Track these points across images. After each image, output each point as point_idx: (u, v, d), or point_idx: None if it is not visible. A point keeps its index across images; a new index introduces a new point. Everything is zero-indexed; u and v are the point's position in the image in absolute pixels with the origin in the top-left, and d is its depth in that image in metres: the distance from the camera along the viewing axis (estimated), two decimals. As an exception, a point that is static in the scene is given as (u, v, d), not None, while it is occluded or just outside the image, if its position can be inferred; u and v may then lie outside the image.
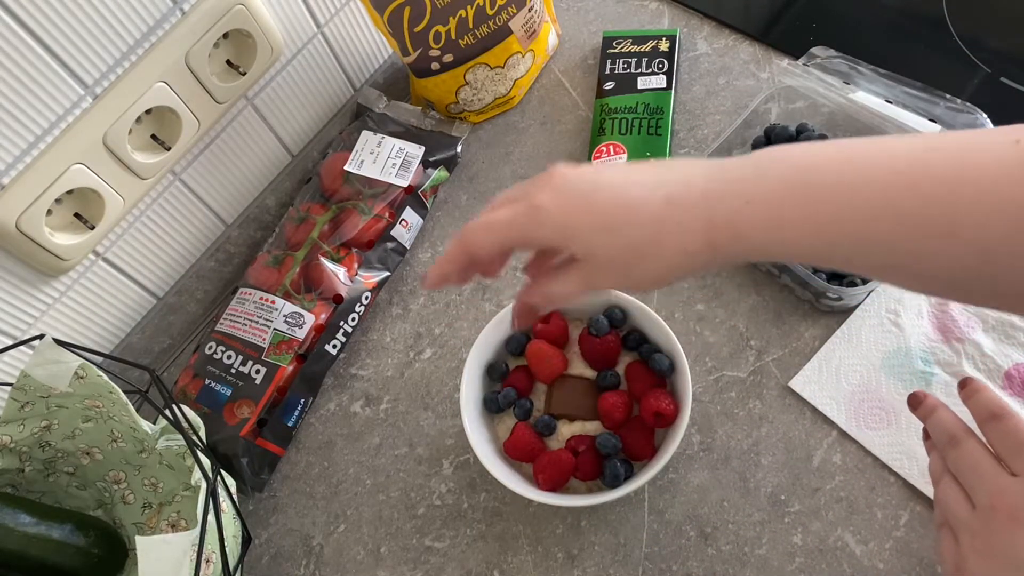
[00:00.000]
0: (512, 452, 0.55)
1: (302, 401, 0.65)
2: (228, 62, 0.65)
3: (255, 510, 0.64)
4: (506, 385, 0.58)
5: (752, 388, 0.60)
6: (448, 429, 0.64)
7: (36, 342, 0.53)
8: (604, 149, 0.71)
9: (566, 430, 0.56)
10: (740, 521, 0.56)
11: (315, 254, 0.68)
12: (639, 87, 0.73)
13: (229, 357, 0.65)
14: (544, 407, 0.57)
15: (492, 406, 0.58)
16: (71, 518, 0.57)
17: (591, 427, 0.56)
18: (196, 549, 0.46)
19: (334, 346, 0.66)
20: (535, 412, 0.57)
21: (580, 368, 0.58)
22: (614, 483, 0.53)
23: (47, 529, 0.55)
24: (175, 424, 0.51)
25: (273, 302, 0.66)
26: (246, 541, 0.60)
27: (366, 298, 0.68)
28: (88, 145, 0.58)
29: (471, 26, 0.70)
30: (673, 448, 0.52)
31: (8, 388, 0.55)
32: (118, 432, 0.59)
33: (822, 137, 0.64)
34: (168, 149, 0.63)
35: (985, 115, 0.62)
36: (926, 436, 0.44)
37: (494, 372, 0.59)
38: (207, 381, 0.65)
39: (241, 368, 0.64)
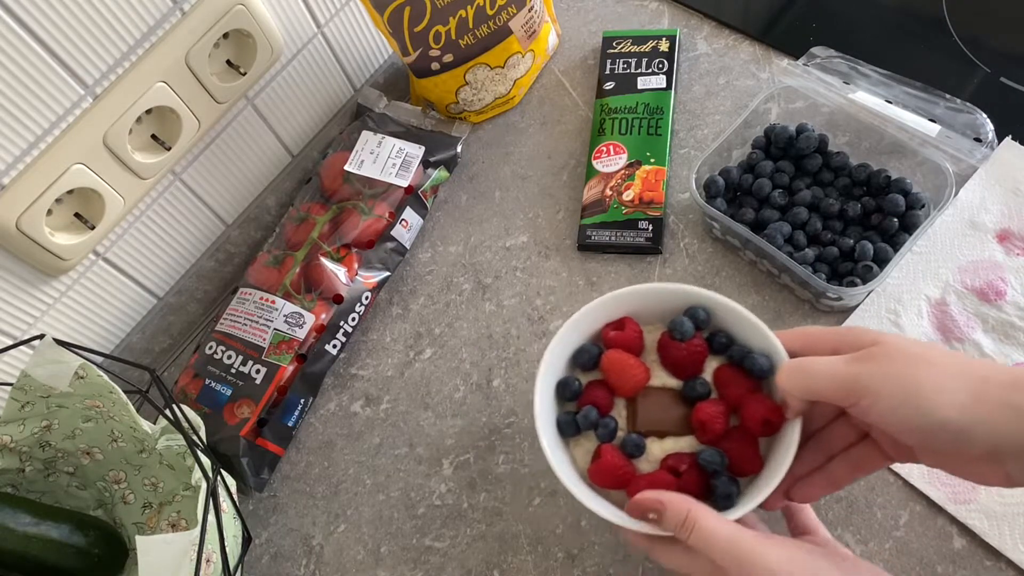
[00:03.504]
0: (599, 479, 0.48)
1: (302, 401, 0.65)
2: (228, 62, 0.65)
3: (255, 510, 0.64)
4: (582, 403, 0.51)
5: (752, 388, 0.60)
6: (448, 429, 0.64)
7: (36, 342, 0.53)
8: (604, 149, 0.71)
9: (656, 448, 0.49)
10: (740, 521, 0.56)
11: (315, 254, 0.68)
12: (639, 87, 0.73)
13: (229, 357, 0.65)
14: (627, 425, 0.50)
15: (569, 429, 0.50)
16: (71, 518, 0.57)
17: (684, 443, 0.49)
18: (196, 549, 0.46)
19: (334, 346, 0.67)
20: (619, 431, 0.50)
21: (662, 377, 0.51)
22: (727, 504, 0.46)
23: (47, 529, 0.55)
24: (175, 424, 0.51)
25: (273, 302, 0.66)
26: (246, 541, 0.60)
27: (366, 298, 0.68)
28: (88, 145, 0.58)
29: (471, 26, 0.70)
30: (790, 457, 0.44)
31: (8, 388, 0.55)
32: (118, 432, 0.59)
33: (821, 137, 0.64)
34: (168, 149, 0.63)
35: (985, 115, 0.62)
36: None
37: (566, 390, 0.51)
38: (207, 381, 0.65)
39: (241, 368, 0.64)
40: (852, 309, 0.61)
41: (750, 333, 0.49)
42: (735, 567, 0.38)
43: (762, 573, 0.37)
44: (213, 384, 0.64)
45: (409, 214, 0.71)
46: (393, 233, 0.70)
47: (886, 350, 0.38)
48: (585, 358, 0.51)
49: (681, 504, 0.41)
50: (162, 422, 0.58)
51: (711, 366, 0.50)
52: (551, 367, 0.51)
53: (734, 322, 0.50)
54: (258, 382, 0.64)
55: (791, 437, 0.44)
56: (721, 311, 0.50)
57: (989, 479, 0.38)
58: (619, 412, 0.50)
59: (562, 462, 0.48)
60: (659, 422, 0.49)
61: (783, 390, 0.43)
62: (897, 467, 0.54)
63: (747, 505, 0.44)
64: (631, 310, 0.52)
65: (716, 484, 0.46)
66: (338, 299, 0.67)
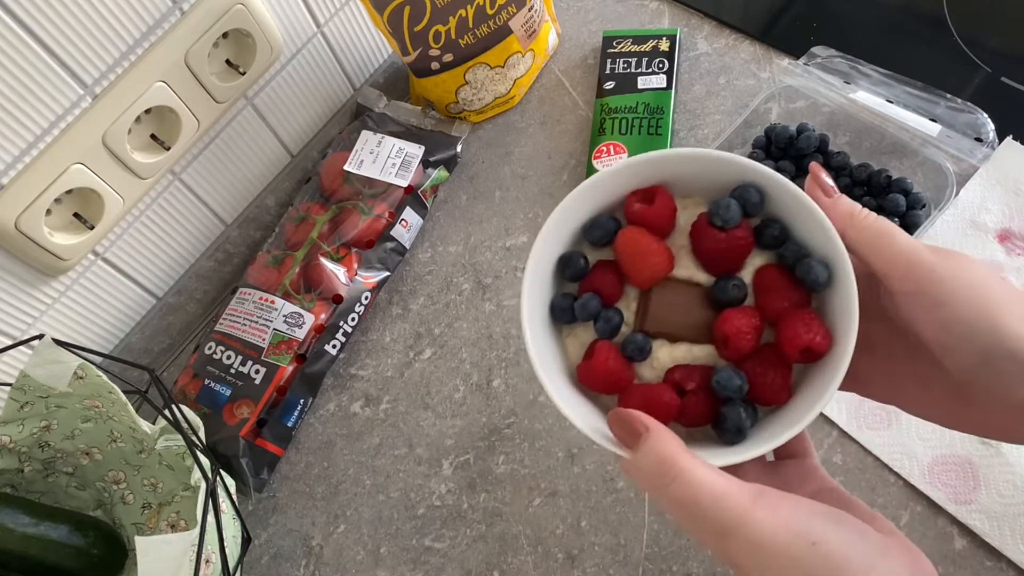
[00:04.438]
0: (588, 380, 0.39)
1: (302, 401, 0.65)
2: (228, 62, 0.65)
3: (255, 510, 0.64)
4: (585, 289, 0.40)
5: (752, 388, 0.60)
6: (448, 429, 0.64)
7: (35, 342, 0.53)
8: (604, 149, 0.71)
9: (665, 354, 0.39)
10: (740, 521, 0.55)
11: (315, 254, 0.68)
12: (639, 87, 0.73)
13: (229, 357, 0.65)
14: (636, 322, 0.40)
15: (563, 314, 0.41)
16: (70, 518, 0.57)
17: (700, 352, 0.39)
18: (195, 549, 0.46)
19: (334, 346, 0.66)
20: (623, 327, 0.40)
21: (689, 269, 0.40)
22: (736, 437, 0.37)
23: (46, 529, 0.55)
24: (174, 424, 0.51)
25: (273, 302, 0.66)
26: (246, 541, 0.60)
27: (366, 298, 0.68)
28: (87, 145, 0.57)
29: (471, 26, 0.70)
30: (829, 395, 0.35)
31: (8, 388, 0.55)
32: (117, 432, 0.59)
33: (822, 137, 0.64)
34: (168, 149, 0.63)
35: (986, 115, 0.62)
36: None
37: (567, 268, 0.41)
38: (207, 381, 0.65)
39: (241, 368, 0.64)
40: (853, 309, 0.60)
41: (812, 230, 0.38)
42: (716, 536, 0.31)
43: (747, 547, 0.30)
44: (212, 384, 0.64)
45: (409, 214, 0.71)
46: (393, 233, 0.70)
47: (959, 258, 0.33)
48: (597, 233, 0.40)
49: (664, 446, 0.33)
50: (161, 422, 0.58)
51: (753, 263, 0.40)
52: (554, 236, 0.40)
53: (794, 212, 0.38)
54: (257, 382, 0.64)
55: (835, 369, 0.35)
56: (779, 195, 0.38)
57: (1011, 429, 0.33)
58: (628, 304, 0.41)
59: (545, 353, 0.39)
60: (674, 324, 0.39)
61: (854, 243, 0.35)
62: (898, 467, 0.54)
63: (760, 446, 0.36)
64: (667, 178, 0.41)
65: (726, 414, 0.37)
66: (338, 299, 0.67)
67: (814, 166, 0.37)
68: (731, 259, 0.39)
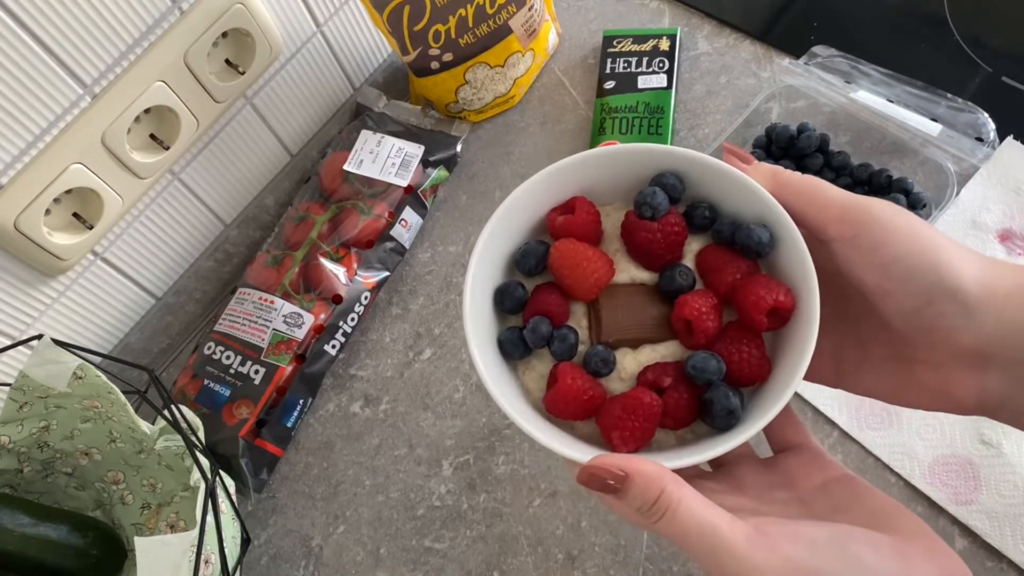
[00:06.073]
0: (558, 408, 0.36)
1: (301, 401, 0.65)
2: (227, 61, 0.65)
3: (254, 511, 0.64)
4: (530, 315, 0.38)
5: (753, 388, 0.60)
6: (448, 429, 0.63)
7: (35, 342, 0.53)
8: (604, 148, 0.71)
9: (630, 362, 0.37)
10: (741, 522, 0.55)
11: (314, 254, 0.68)
12: (640, 86, 0.73)
13: (228, 357, 0.65)
14: (591, 336, 0.38)
15: (515, 349, 0.38)
16: (70, 519, 0.57)
17: (665, 351, 0.37)
18: (195, 550, 0.46)
19: (333, 346, 0.66)
20: (579, 346, 0.38)
21: (629, 271, 0.38)
22: (729, 422, 0.34)
23: (45, 530, 0.55)
24: (174, 424, 0.51)
25: (272, 302, 0.66)
26: (245, 542, 0.60)
27: (365, 298, 0.68)
28: (87, 145, 0.57)
29: (471, 25, 0.70)
30: (809, 353, 0.33)
31: (7, 388, 0.55)
32: (117, 432, 0.59)
33: (823, 137, 0.64)
34: (167, 148, 0.63)
35: (987, 114, 0.62)
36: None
37: (506, 300, 0.38)
38: (206, 381, 0.65)
39: (240, 368, 0.64)
40: (853, 309, 0.60)
41: (742, 198, 0.37)
42: (714, 570, 0.29)
43: None
44: (212, 384, 0.64)
45: (408, 214, 0.71)
46: (392, 233, 0.69)
47: (891, 204, 0.33)
48: (531, 262, 0.38)
49: (654, 481, 0.30)
50: (161, 422, 0.58)
51: (691, 249, 0.38)
52: (483, 273, 0.38)
53: (719, 188, 0.37)
54: (257, 382, 0.63)
55: (808, 325, 0.33)
56: (702, 174, 0.37)
57: (955, 392, 0.32)
58: (578, 321, 0.38)
59: (506, 393, 0.36)
60: (631, 327, 0.37)
61: (784, 199, 0.35)
62: (898, 467, 0.54)
63: (754, 424, 0.33)
64: (582, 187, 0.40)
65: (712, 399, 0.35)
66: (337, 299, 0.66)
67: (726, 143, 0.38)
68: (669, 249, 0.37)
